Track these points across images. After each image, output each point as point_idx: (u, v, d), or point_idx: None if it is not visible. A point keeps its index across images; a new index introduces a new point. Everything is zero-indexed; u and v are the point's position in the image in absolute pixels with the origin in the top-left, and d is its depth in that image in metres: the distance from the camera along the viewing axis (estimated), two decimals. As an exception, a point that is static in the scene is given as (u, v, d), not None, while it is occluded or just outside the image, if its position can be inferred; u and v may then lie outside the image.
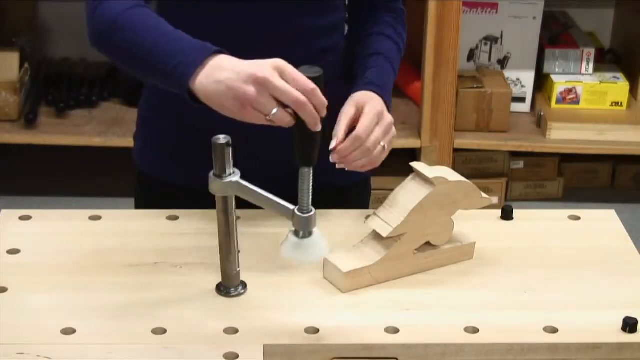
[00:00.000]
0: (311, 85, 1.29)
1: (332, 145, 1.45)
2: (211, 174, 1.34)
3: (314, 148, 1.35)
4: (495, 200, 3.23)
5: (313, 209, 1.34)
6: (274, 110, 1.29)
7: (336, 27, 1.64)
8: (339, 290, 1.42)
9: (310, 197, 1.34)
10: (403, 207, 1.43)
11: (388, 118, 1.49)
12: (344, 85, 1.60)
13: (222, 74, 1.31)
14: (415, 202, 1.43)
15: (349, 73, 1.65)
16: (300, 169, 1.35)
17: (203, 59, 1.33)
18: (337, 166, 1.46)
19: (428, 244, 1.47)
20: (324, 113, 1.31)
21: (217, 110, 1.34)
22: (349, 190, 1.72)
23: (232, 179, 1.33)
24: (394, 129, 1.50)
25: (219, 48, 1.36)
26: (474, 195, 1.48)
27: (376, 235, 1.45)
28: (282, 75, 1.29)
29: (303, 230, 1.35)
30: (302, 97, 1.28)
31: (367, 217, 1.48)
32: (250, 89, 1.28)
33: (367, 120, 1.46)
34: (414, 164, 1.46)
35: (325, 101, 1.30)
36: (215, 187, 1.34)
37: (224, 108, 1.32)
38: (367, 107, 1.47)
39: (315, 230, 1.35)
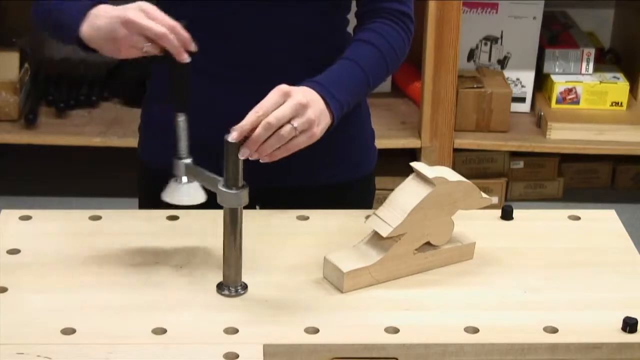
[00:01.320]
0: (171, 22, 1.41)
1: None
2: (219, 185, 1.36)
3: (184, 90, 1.45)
4: (495, 200, 3.23)
5: (190, 156, 1.44)
6: (147, 45, 1.42)
7: (338, 27, 1.64)
8: (339, 290, 1.42)
9: (187, 144, 1.44)
10: (403, 207, 1.43)
11: (298, 97, 1.40)
12: None
13: (99, 21, 1.45)
14: (415, 202, 1.43)
15: None
16: (175, 117, 1.44)
17: (85, 12, 1.47)
18: (241, 154, 1.36)
19: (428, 244, 1.47)
20: (191, 47, 1.42)
21: (102, 52, 1.47)
22: (351, 187, 1.72)
23: (244, 189, 1.36)
24: (310, 113, 1.41)
25: (95, 2, 1.49)
26: (474, 195, 1.48)
27: (376, 235, 1.45)
28: (146, 15, 1.42)
29: (182, 175, 1.43)
30: (163, 29, 1.40)
31: (367, 217, 1.48)
32: (122, 31, 1.41)
33: (268, 98, 1.40)
34: (414, 164, 1.46)
35: (187, 36, 1.41)
36: (226, 199, 1.36)
37: (105, 49, 1.46)
38: (274, 88, 1.42)
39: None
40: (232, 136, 1.36)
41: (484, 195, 1.49)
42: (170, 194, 1.45)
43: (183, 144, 1.44)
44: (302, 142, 1.42)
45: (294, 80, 1.51)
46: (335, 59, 1.59)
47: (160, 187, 1.71)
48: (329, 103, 1.47)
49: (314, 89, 1.47)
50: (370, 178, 1.78)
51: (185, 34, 1.41)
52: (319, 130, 1.44)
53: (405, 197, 1.44)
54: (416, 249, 1.46)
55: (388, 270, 1.44)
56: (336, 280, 1.43)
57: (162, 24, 1.41)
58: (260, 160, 1.39)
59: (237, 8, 1.55)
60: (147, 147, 1.72)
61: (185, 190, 1.44)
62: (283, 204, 1.63)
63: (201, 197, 1.45)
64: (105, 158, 3.27)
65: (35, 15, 1.59)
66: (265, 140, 1.38)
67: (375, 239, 1.45)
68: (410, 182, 1.46)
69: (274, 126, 1.37)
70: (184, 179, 1.44)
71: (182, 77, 1.44)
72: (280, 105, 1.39)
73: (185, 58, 1.41)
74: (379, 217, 1.45)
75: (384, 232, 1.43)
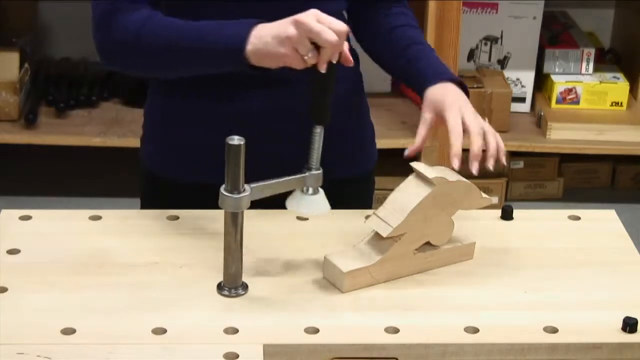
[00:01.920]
0: (345, 27, 1.40)
1: (407, 152, 1.52)
2: (222, 189, 1.36)
3: (326, 105, 1.44)
4: (495, 200, 3.23)
5: (320, 168, 1.43)
6: (311, 52, 1.41)
7: (336, 15, 1.65)
8: (339, 290, 1.42)
9: (319, 156, 1.43)
10: (403, 207, 1.43)
11: (469, 107, 1.55)
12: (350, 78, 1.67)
13: (265, 31, 1.43)
14: (415, 202, 1.43)
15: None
16: (313, 128, 1.43)
17: (249, 30, 1.45)
18: (474, 169, 1.50)
19: (428, 243, 1.47)
20: (349, 63, 1.44)
21: (265, 64, 1.44)
22: (351, 184, 1.72)
23: (245, 193, 1.36)
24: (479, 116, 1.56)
25: (256, 20, 1.46)
26: (474, 195, 1.48)
27: (376, 235, 1.45)
28: (318, 20, 1.40)
29: (310, 186, 1.43)
30: (335, 37, 1.39)
31: (367, 217, 1.48)
32: (292, 29, 1.40)
33: (456, 121, 1.53)
34: (414, 164, 1.46)
35: (347, 51, 1.43)
36: (227, 203, 1.36)
37: (270, 57, 1.43)
38: (446, 110, 1.54)
39: (320, 189, 1.44)
40: (456, 164, 1.47)
41: (484, 195, 1.49)
42: (296, 204, 1.44)
43: (315, 156, 1.43)
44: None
45: (299, 79, 1.52)
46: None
47: (161, 189, 1.71)
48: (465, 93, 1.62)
49: (448, 80, 1.61)
50: (370, 176, 1.78)
51: (346, 48, 1.42)
52: None
53: (405, 197, 1.44)
54: (416, 249, 1.46)
55: (388, 270, 1.44)
56: (336, 280, 1.43)
57: (335, 30, 1.39)
58: (490, 166, 1.50)
59: (242, 9, 1.55)
60: (149, 148, 1.72)
61: (310, 200, 1.43)
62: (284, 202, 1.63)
63: (325, 208, 1.45)
64: (105, 158, 3.27)
65: (125, 48, 1.52)
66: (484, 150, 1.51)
67: (375, 239, 1.45)
68: (410, 182, 1.46)
69: (483, 132, 1.53)
70: (310, 189, 1.44)
71: (323, 89, 1.44)
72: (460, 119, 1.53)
73: (324, 68, 1.41)
74: (379, 217, 1.44)
75: (384, 232, 1.43)
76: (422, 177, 1.45)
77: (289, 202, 1.45)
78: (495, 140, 1.53)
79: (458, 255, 1.50)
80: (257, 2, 1.55)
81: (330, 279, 1.44)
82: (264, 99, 1.60)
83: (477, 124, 1.53)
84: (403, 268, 1.45)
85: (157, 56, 1.51)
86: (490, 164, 1.51)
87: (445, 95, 1.56)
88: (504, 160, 1.52)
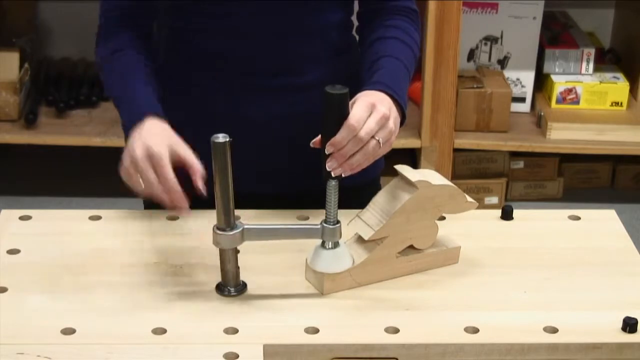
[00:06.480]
0: (170, 180, 1.40)
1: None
2: (214, 227, 1.37)
3: None
4: (495, 200, 3.23)
5: (339, 220, 1.38)
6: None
7: (347, 25, 1.65)
8: (320, 292, 1.41)
9: (337, 210, 1.38)
10: (385, 210, 1.42)
11: (382, 109, 1.41)
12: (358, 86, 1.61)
13: (130, 139, 1.49)
14: (398, 205, 1.42)
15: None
16: (327, 182, 1.38)
17: (138, 121, 1.51)
18: (333, 172, 1.39)
19: (412, 247, 1.46)
20: (183, 212, 1.42)
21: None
22: (357, 192, 1.72)
23: (238, 229, 1.36)
24: (391, 124, 1.43)
25: (154, 112, 1.51)
26: (458, 199, 1.47)
27: (359, 238, 1.44)
28: (150, 161, 1.42)
29: (330, 240, 1.39)
30: (156, 185, 1.41)
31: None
32: (126, 161, 1.47)
33: (358, 110, 1.39)
34: (399, 167, 1.44)
35: (181, 197, 1.41)
36: (222, 241, 1.37)
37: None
38: (359, 99, 1.42)
39: (340, 241, 1.40)
40: (328, 149, 1.37)
41: (469, 199, 1.48)
42: (316, 261, 1.41)
43: (333, 210, 1.38)
44: (382, 152, 1.44)
45: (308, 82, 1.51)
46: (346, 58, 1.59)
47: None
48: (401, 105, 1.49)
49: (385, 92, 1.47)
50: (376, 181, 1.77)
51: (179, 196, 1.40)
52: (394, 138, 1.46)
53: (388, 200, 1.43)
54: (399, 252, 1.45)
55: (370, 273, 1.43)
56: (317, 282, 1.42)
57: (162, 177, 1.40)
58: (342, 174, 1.39)
59: (244, 11, 1.55)
60: None
61: (331, 256, 1.40)
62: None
63: (347, 263, 1.41)
64: (105, 158, 3.26)
65: (99, 65, 1.66)
66: (352, 155, 1.39)
67: (358, 241, 1.44)
68: (393, 185, 1.45)
69: (364, 142, 1.39)
70: (330, 244, 1.40)
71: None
72: (367, 117, 1.39)
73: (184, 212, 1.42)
74: (361, 219, 1.44)
75: (366, 234, 1.42)
76: (405, 180, 1.43)
77: (310, 260, 1.41)
78: (362, 159, 1.41)
79: (443, 259, 1.49)
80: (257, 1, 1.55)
81: (311, 281, 1.43)
82: (269, 105, 1.60)
83: (366, 127, 1.39)
84: (385, 271, 1.44)
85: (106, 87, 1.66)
86: (334, 171, 1.39)
87: (368, 94, 1.45)
88: (345, 172, 1.40)
